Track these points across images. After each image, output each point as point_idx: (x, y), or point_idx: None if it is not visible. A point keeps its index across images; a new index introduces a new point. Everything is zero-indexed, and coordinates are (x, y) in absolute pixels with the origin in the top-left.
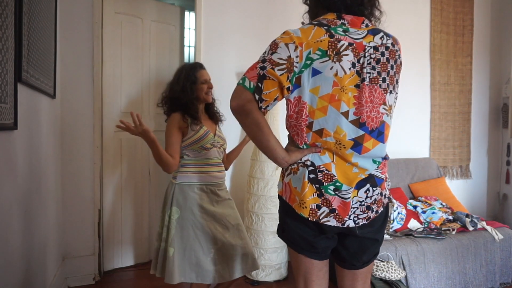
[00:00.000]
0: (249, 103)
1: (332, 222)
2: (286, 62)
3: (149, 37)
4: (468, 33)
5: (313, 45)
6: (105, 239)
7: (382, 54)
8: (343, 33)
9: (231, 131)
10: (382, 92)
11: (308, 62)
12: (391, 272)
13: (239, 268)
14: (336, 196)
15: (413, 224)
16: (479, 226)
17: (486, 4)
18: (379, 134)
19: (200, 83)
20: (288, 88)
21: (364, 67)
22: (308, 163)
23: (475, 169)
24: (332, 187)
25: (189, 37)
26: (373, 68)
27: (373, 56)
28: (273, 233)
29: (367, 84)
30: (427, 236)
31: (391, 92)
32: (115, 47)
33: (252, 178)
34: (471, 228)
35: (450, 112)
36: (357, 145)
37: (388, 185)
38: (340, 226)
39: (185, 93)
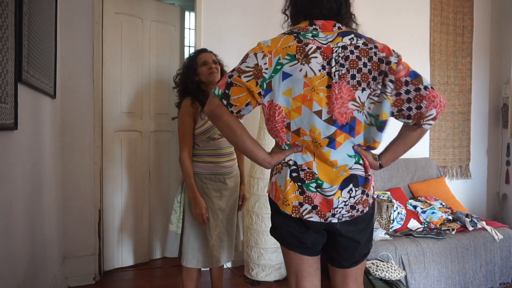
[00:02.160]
0: (218, 108)
1: (315, 218)
2: (253, 69)
3: (149, 37)
4: (468, 33)
5: (282, 51)
6: (105, 239)
7: (351, 52)
8: (311, 38)
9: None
10: (351, 88)
11: (278, 67)
12: (391, 272)
13: (232, 253)
14: (317, 193)
15: (413, 224)
16: (478, 226)
17: (486, 4)
18: (351, 129)
19: (199, 66)
20: (259, 93)
21: (333, 66)
22: (291, 162)
23: (475, 169)
24: (313, 185)
25: (189, 37)
26: (341, 65)
27: (341, 54)
28: None
29: (335, 82)
30: (427, 236)
31: (364, 89)
32: (115, 47)
33: (252, 178)
34: (470, 228)
35: (449, 112)
36: (332, 142)
37: (372, 185)
38: (323, 221)
39: (187, 80)
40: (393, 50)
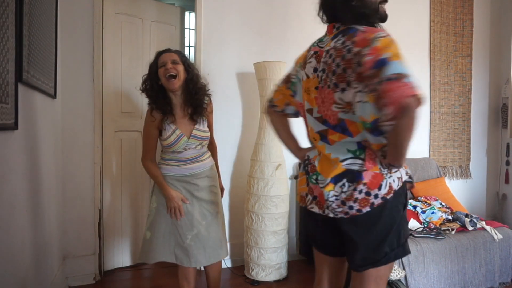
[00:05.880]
0: (267, 108)
1: (315, 209)
2: (286, 76)
3: (149, 37)
4: (468, 34)
5: (299, 60)
6: (105, 239)
7: (330, 56)
8: (316, 44)
9: (231, 134)
10: (330, 91)
11: (297, 73)
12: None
13: (215, 254)
14: (317, 184)
15: (413, 224)
16: (478, 226)
17: (486, 4)
18: (344, 130)
19: (159, 69)
20: (291, 95)
21: (320, 70)
22: (306, 157)
23: (474, 169)
24: (314, 177)
25: (189, 37)
26: (323, 70)
27: (323, 59)
28: (273, 233)
29: (322, 86)
30: (427, 236)
31: (344, 89)
32: (115, 48)
33: (252, 178)
34: (470, 228)
35: (449, 112)
36: (324, 138)
37: (386, 184)
38: (322, 213)
39: (147, 85)
40: (375, 38)
